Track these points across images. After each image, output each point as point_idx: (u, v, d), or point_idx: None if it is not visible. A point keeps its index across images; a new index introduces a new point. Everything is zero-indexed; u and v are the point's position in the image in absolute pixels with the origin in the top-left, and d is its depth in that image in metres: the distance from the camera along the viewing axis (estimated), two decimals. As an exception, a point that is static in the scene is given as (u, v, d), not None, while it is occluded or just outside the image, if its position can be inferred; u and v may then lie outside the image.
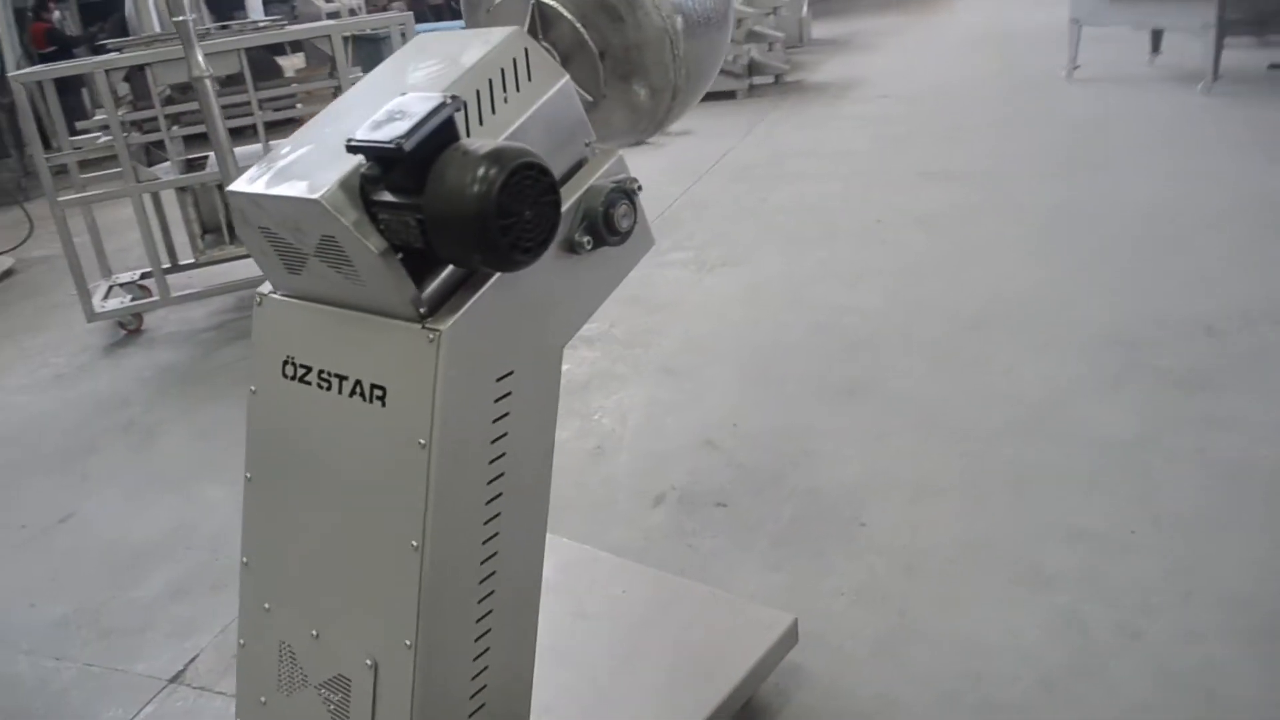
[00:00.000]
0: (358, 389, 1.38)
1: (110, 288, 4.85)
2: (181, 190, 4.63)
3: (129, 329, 4.73)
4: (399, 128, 1.18)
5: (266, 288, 1.52)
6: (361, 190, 1.25)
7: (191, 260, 4.91)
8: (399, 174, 1.20)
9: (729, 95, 8.30)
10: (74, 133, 4.76)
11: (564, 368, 3.65)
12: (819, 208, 5.15)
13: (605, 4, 1.52)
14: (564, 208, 1.39)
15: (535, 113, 1.39)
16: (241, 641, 1.60)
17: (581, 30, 1.54)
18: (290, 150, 1.40)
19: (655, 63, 1.56)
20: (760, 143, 6.82)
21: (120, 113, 4.30)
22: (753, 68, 8.54)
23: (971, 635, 2.07)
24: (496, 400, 1.37)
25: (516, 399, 1.40)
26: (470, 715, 1.44)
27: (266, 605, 1.56)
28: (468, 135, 1.33)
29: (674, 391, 3.36)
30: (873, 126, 6.79)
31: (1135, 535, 2.32)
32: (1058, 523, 2.40)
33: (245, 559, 1.59)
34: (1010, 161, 5.51)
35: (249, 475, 1.57)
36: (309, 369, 1.45)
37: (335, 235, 1.26)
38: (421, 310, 1.30)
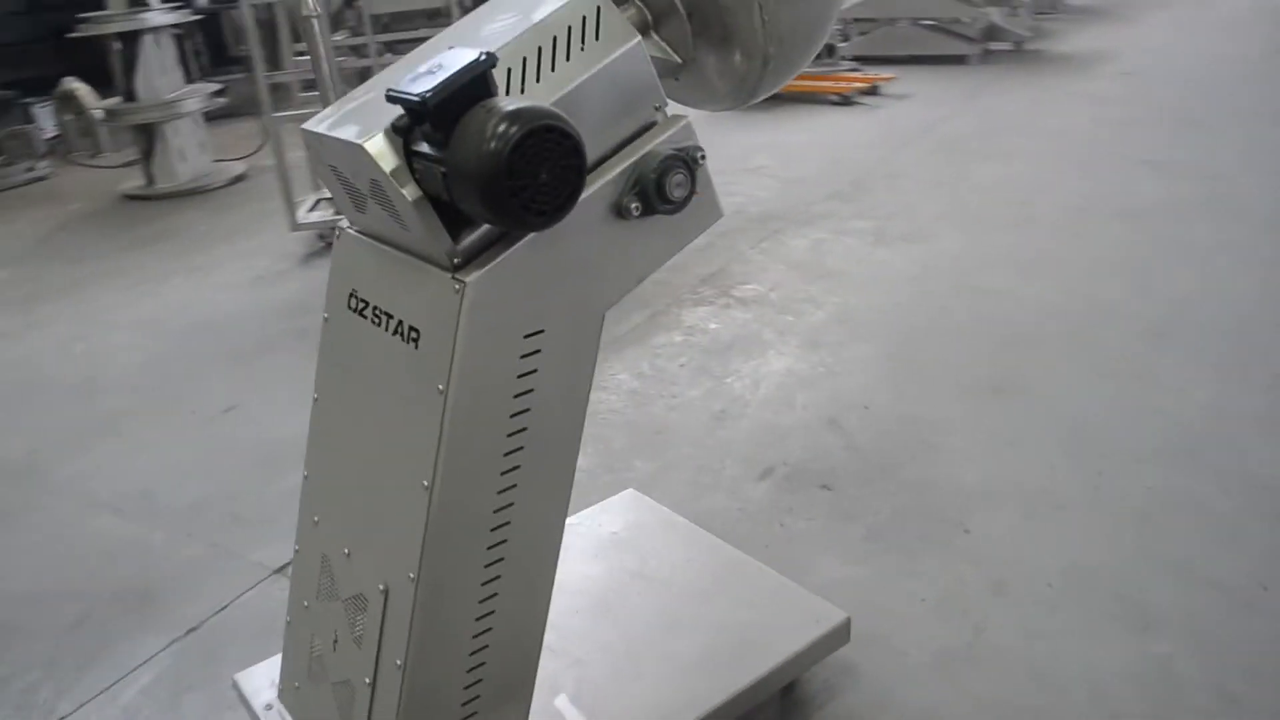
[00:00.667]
0: (399, 329, 1.43)
1: (317, 201, 5.19)
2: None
3: (327, 241, 5.07)
4: (429, 82, 1.19)
5: (345, 222, 1.59)
6: (405, 139, 1.28)
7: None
8: (427, 127, 1.21)
9: (959, 60, 7.88)
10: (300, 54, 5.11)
11: (710, 325, 3.68)
12: (1019, 189, 4.83)
13: (694, -35, 1.47)
14: (617, 172, 1.39)
15: (598, 72, 1.36)
16: (296, 547, 1.72)
17: (661, -22, 1.49)
18: (364, 93, 1.45)
19: (743, 27, 1.50)
20: (978, 114, 6.44)
21: (340, 37, 4.57)
22: (991, 32, 8.04)
23: (1045, 667, 1.94)
24: (523, 356, 1.38)
25: (546, 357, 1.40)
26: (471, 654, 1.48)
27: (315, 518, 1.66)
28: (521, 91, 1.33)
29: (813, 365, 3.27)
30: (1103, 107, 6.27)
31: (1267, 593, 2.08)
32: (1181, 564, 2.19)
33: (306, 472, 1.69)
34: (1247, 161, 4.97)
35: (316, 396, 1.66)
36: (366, 303, 1.51)
37: (378, 180, 1.30)
38: (455, 261, 1.33)
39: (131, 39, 6.10)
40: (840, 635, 1.88)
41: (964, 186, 4.99)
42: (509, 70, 1.33)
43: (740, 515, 2.52)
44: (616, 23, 1.40)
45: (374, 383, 1.51)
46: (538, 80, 1.34)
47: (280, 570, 2.45)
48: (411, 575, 1.40)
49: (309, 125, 1.45)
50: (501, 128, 1.15)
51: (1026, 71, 7.57)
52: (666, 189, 1.39)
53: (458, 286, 1.31)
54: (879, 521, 2.44)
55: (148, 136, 6.46)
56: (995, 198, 4.74)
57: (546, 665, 1.78)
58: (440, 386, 1.34)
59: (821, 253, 4.25)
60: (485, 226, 1.33)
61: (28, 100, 7.88)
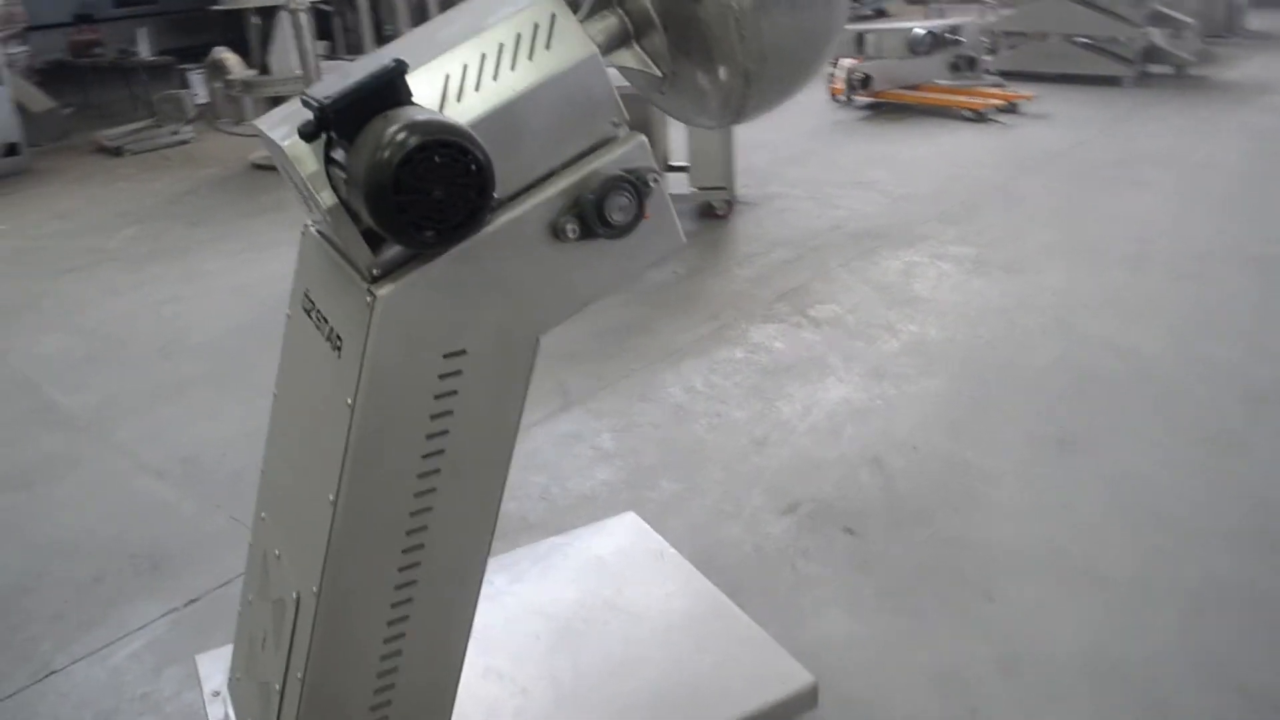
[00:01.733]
0: (331, 335, 1.39)
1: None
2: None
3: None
4: (334, 86, 1.14)
5: (309, 219, 1.56)
6: (326, 144, 1.23)
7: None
8: (334, 133, 1.16)
9: (1112, 82, 7.40)
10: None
11: (776, 344, 3.54)
12: (1144, 225, 4.48)
13: (667, -28, 1.37)
14: (556, 190, 1.31)
15: (544, 83, 1.28)
16: (250, 541, 1.71)
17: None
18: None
19: (719, 41, 1.39)
20: (1119, 141, 6.03)
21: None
22: (1150, 54, 7.52)
23: (1035, 764, 1.76)
24: (442, 376, 1.32)
25: (468, 380, 1.34)
26: (379, 677, 1.43)
27: (263, 514, 1.64)
28: (458, 100, 1.27)
29: (871, 396, 3.10)
30: (1259, 141, 5.77)
31: (1313, 711, 1.84)
32: (1219, 666, 1.96)
33: (262, 467, 1.68)
34: None
35: (275, 392, 1.64)
36: (313, 305, 1.48)
37: (300, 183, 1.26)
38: (374, 272, 1.27)
39: (269, 14, 6.33)
40: (805, 700, 1.75)
41: (1084, 217, 4.67)
42: (447, 77, 1.27)
43: (752, 552, 2.40)
44: (572, 32, 1.31)
45: (311, 387, 1.48)
46: (477, 89, 1.27)
47: (286, 552, 2.47)
48: (314, 589, 1.36)
49: (261, 121, 1.42)
50: (395, 139, 1.09)
51: (1183, 98, 7.04)
52: (606, 212, 1.30)
53: (369, 299, 1.25)
54: (897, 576, 2.28)
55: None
56: (1115, 232, 4.41)
57: (490, 689, 1.73)
58: (349, 400, 1.29)
59: (912, 276, 4.04)
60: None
61: (185, 66, 8.31)
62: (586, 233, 1.31)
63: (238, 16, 6.55)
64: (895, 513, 2.51)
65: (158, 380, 3.50)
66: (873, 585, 2.25)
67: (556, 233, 1.31)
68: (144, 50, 8.34)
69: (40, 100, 7.76)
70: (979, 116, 6.64)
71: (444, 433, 1.35)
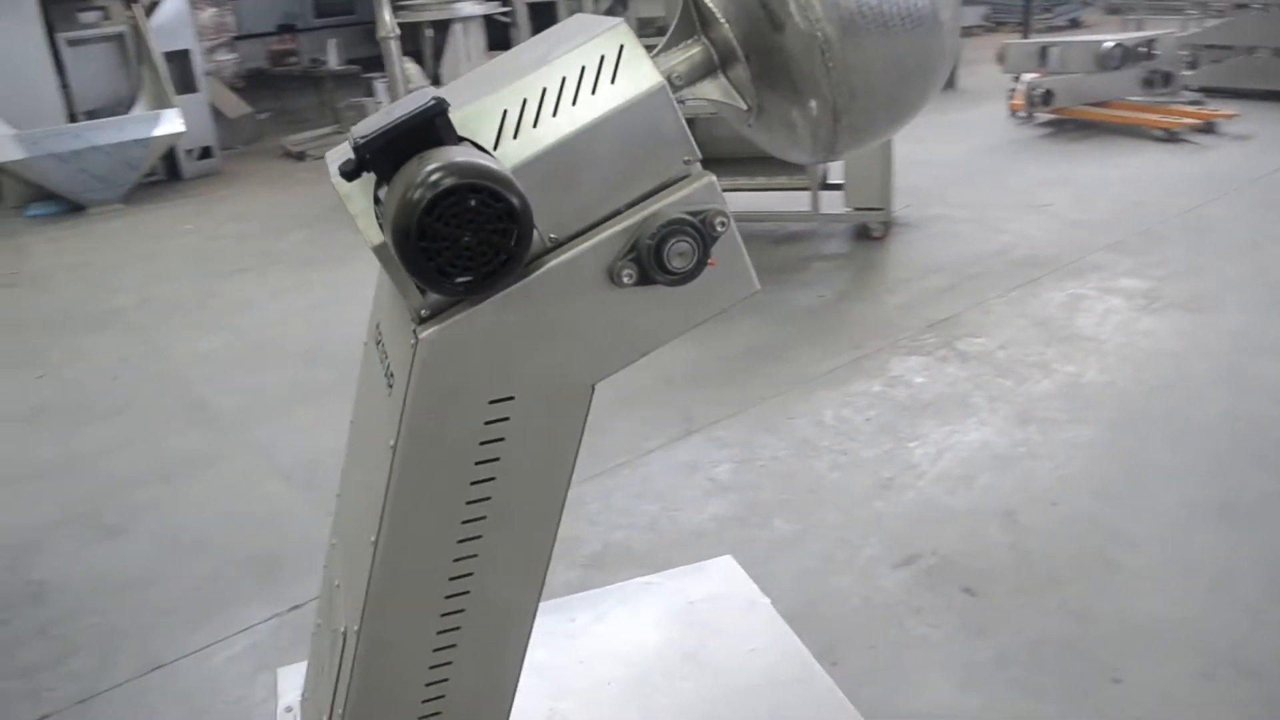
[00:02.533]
0: (387, 371, 1.36)
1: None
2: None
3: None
4: (374, 124, 1.10)
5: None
6: (377, 182, 1.19)
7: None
8: (373, 172, 1.12)
9: (1333, 99, 6.72)
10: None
11: (916, 379, 3.35)
12: (1355, 263, 4.02)
13: (750, 2, 1.27)
14: (614, 231, 1.23)
15: (606, 119, 1.20)
16: (325, 566, 1.71)
17: (725, 27, 1.31)
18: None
19: (805, 74, 1.28)
20: (1336, 165, 5.45)
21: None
22: (1379, 69, 6.78)
23: None
24: (488, 423, 1.26)
25: (516, 427, 1.28)
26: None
27: (333, 541, 1.64)
28: (514, 137, 1.21)
29: (1014, 442, 2.88)
30: None
31: None
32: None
33: (338, 491, 1.68)
34: None
35: (351, 419, 1.64)
36: (380, 338, 1.45)
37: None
38: (423, 314, 1.23)
39: (442, 26, 6.53)
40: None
41: (1277, 253, 4.22)
42: (505, 112, 1.21)
43: (860, 605, 2.25)
44: (639, 64, 1.23)
45: (372, 421, 1.46)
46: (535, 125, 1.21)
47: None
48: (356, 629, 1.34)
49: (330, 154, 1.40)
50: (425, 180, 1.04)
51: None
52: (665, 258, 1.21)
53: (413, 341, 1.21)
54: (1015, 645, 2.08)
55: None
56: (1316, 271, 3.98)
57: None
58: (391, 442, 1.26)
59: (1075, 311, 3.75)
60: (463, 278, 1.23)
61: (370, 75, 8.69)
62: (644, 279, 1.23)
63: (414, 29, 6.80)
64: (1023, 575, 2.31)
65: (296, 385, 3.63)
66: (988, 653, 2.07)
67: (613, 277, 1.23)
68: (332, 60, 8.77)
69: (236, 106, 8.27)
70: (1171, 136, 6.14)
71: (490, 479, 1.29)
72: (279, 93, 10.31)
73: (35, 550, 2.73)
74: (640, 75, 1.23)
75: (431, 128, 1.10)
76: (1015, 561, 2.36)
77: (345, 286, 4.70)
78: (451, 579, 1.32)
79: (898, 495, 2.67)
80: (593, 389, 1.31)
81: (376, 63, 8.63)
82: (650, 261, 1.22)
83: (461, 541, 1.31)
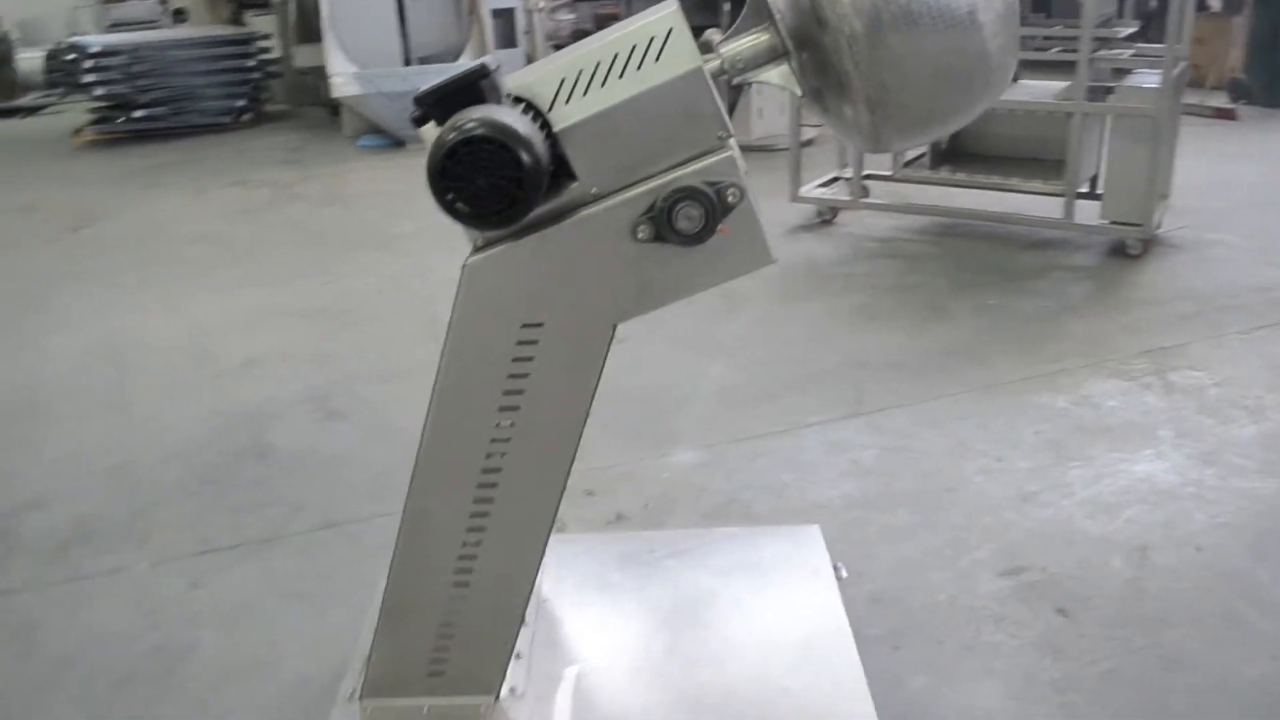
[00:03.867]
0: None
1: (833, 179, 5.35)
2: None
3: (824, 218, 5.23)
4: (432, 84, 1.34)
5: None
6: (448, 128, 1.43)
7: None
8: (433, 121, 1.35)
9: None
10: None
11: (1109, 402, 3.19)
12: None
13: (795, -3, 1.38)
14: (640, 191, 1.41)
15: (644, 94, 1.38)
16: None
17: (776, 18, 1.43)
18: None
19: (839, 68, 1.38)
20: None
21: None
22: None
23: None
24: (519, 344, 1.49)
25: (544, 351, 1.49)
26: (451, 589, 1.64)
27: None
28: (566, 103, 1.40)
29: (1184, 481, 2.71)
30: None
31: None
32: None
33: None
34: None
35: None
36: (475, 263, 1.71)
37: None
38: (478, 244, 1.47)
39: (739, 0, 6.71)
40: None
41: None
42: (561, 81, 1.41)
43: (945, 602, 2.27)
44: (682, 46, 1.39)
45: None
46: (585, 94, 1.40)
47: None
48: (402, 511, 1.61)
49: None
50: (454, 128, 1.27)
51: None
52: (673, 219, 1.37)
53: (464, 265, 1.45)
54: (1084, 674, 2.04)
55: (736, 90, 7.11)
56: None
57: (577, 626, 1.90)
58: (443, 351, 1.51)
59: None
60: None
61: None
62: (658, 236, 1.40)
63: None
64: (1128, 609, 2.23)
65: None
66: (1052, 674, 2.04)
67: (634, 232, 1.41)
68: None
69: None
70: None
71: (520, 392, 1.51)
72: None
73: (274, 420, 3.29)
74: (682, 57, 1.39)
75: (476, 88, 1.32)
76: (1126, 595, 2.27)
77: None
78: (480, 483, 1.56)
79: (1034, 510, 2.62)
80: (614, 328, 1.49)
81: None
82: (663, 221, 1.38)
83: (490, 453, 1.54)
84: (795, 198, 5.18)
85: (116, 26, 10.70)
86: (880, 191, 5.12)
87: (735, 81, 1.52)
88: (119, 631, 2.33)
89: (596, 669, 1.84)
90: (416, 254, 4.90)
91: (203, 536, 2.69)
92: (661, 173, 1.41)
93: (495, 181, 1.27)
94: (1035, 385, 3.29)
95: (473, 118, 1.27)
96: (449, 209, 1.29)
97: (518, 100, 1.40)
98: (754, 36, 1.48)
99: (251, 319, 4.27)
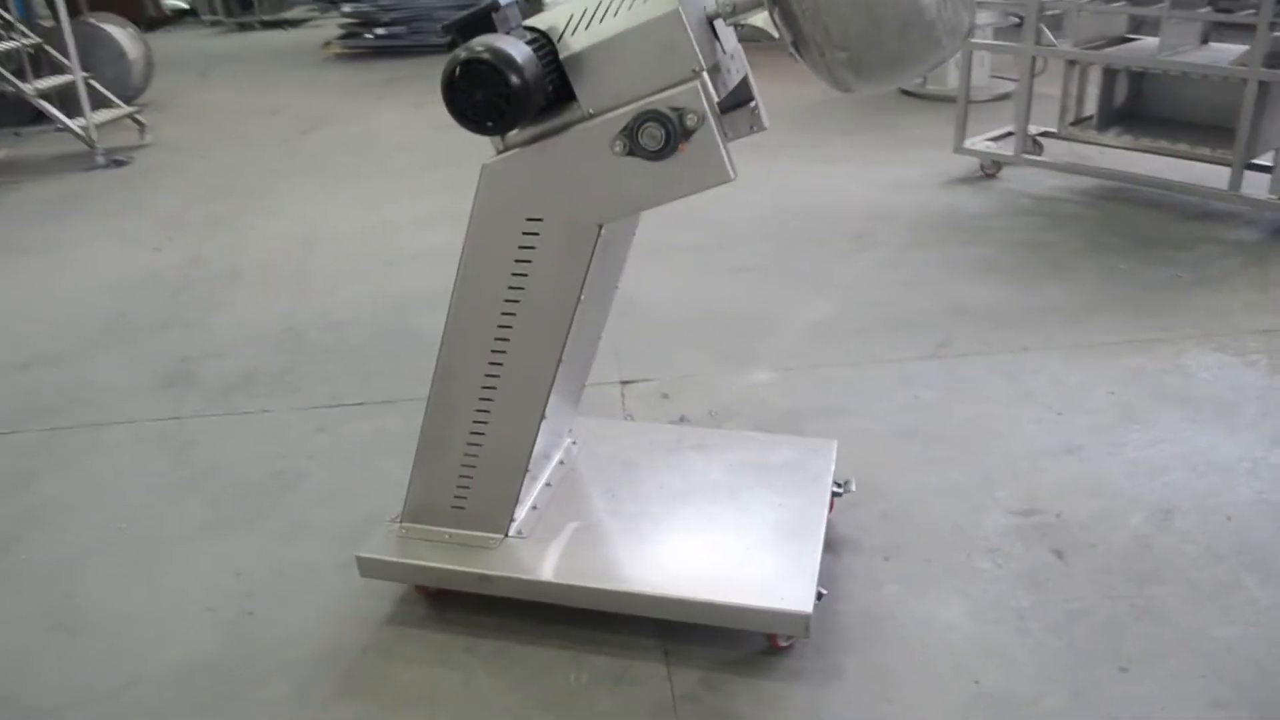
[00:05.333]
0: (492, 190, 1.94)
1: (1005, 134, 5.28)
2: (1070, 64, 4.76)
3: (986, 172, 5.20)
4: (456, 15, 1.65)
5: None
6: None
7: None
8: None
9: None
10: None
11: (1202, 374, 3.19)
12: None
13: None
14: (622, 111, 1.68)
15: (629, 31, 1.66)
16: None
17: (749, -31, 1.64)
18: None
19: (790, 15, 1.59)
20: None
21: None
22: None
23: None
24: (524, 234, 1.80)
25: (542, 243, 1.80)
26: (471, 433, 2.00)
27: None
28: (572, 34, 1.68)
29: (1241, 456, 2.68)
30: None
31: None
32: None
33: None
34: None
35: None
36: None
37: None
38: (499, 149, 1.79)
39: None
40: (794, 624, 1.92)
41: None
42: (570, 17, 1.70)
43: (948, 529, 2.43)
44: (664, -8, 1.63)
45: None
46: (587, 27, 1.69)
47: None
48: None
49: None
50: (462, 51, 1.58)
51: None
52: (638, 136, 1.64)
53: (483, 167, 1.77)
54: (1054, 611, 2.15)
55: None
56: None
57: (588, 478, 2.25)
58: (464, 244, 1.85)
59: None
60: (531, 128, 1.75)
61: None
62: (627, 150, 1.66)
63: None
64: (1124, 561, 2.31)
65: (661, 244, 4.31)
66: (1022, 604, 2.19)
67: (612, 146, 1.68)
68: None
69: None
70: None
71: (524, 275, 1.83)
72: None
73: (424, 306, 3.77)
74: (662, 1, 1.63)
75: (487, 20, 1.63)
76: (1130, 549, 2.36)
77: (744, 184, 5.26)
78: (494, 340, 1.90)
79: (1074, 462, 2.70)
80: (600, 228, 1.78)
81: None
82: (632, 138, 1.65)
83: (500, 326, 1.89)
84: (959, 149, 5.17)
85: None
86: (1058, 150, 5.03)
87: (729, 22, 1.75)
88: (254, 456, 2.86)
89: (591, 526, 2.16)
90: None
91: (337, 393, 3.19)
92: (643, 98, 1.67)
93: (489, 96, 1.58)
94: (1129, 349, 3.29)
95: (479, 43, 1.58)
96: (454, 114, 1.61)
97: (532, 31, 1.69)
98: (749, -16, 1.69)
99: (431, 219, 4.79)
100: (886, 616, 2.16)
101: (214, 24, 12.82)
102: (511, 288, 1.85)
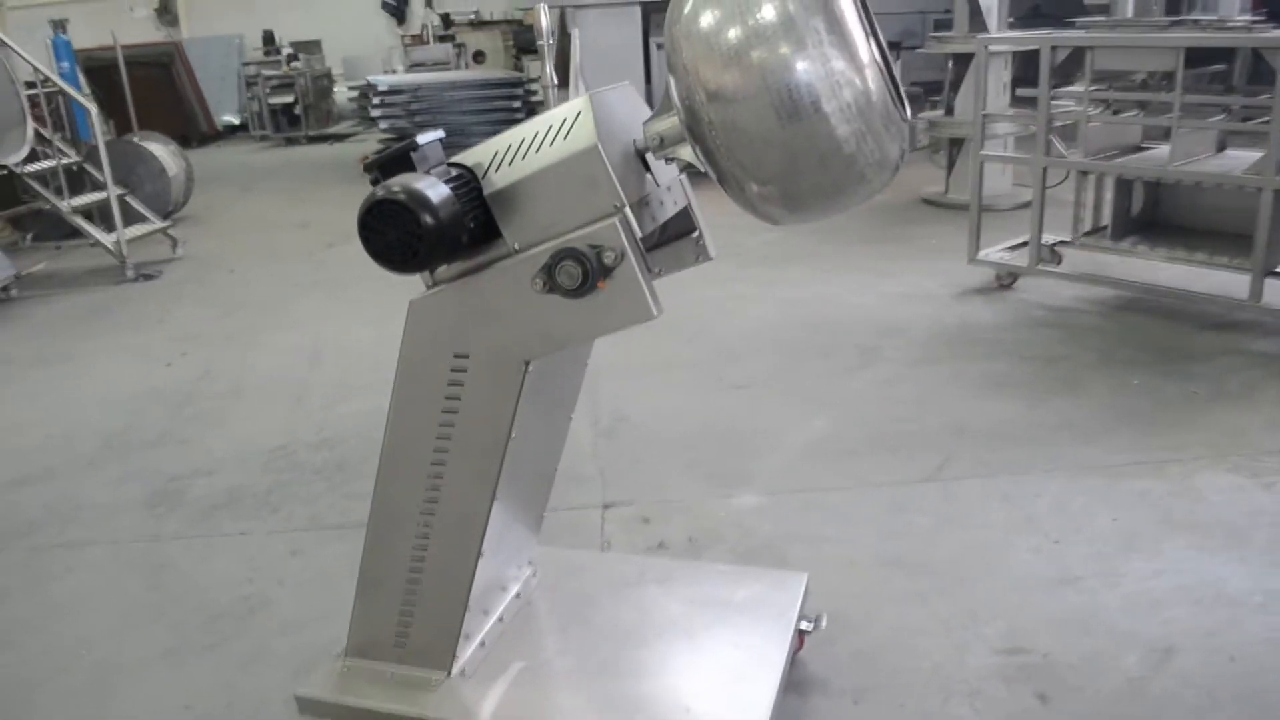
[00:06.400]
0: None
1: (1019, 245, 5.21)
2: (1083, 174, 4.70)
3: (1002, 283, 5.12)
4: (381, 152, 1.65)
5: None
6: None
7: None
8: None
9: None
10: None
11: (1213, 496, 3.10)
12: None
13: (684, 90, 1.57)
14: (543, 248, 1.65)
15: (549, 168, 1.63)
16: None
17: (676, 107, 1.61)
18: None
19: (705, 149, 1.56)
20: None
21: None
22: None
23: None
24: (452, 370, 1.77)
25: (470, 379, 1.77)
26: (410, 570, 1.93)
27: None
28: (496, 170, 1.67)
29: (1253, 589, 2.52)
30: None
31: None
32: None
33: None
34: None
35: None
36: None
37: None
38: (427, 284, 1.76)
39: (963, 60, 6.66)
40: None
41: None
42: (494, 154, 1.69)
43: (922, 669, 2.29)
44: (585, 127, 1.63)
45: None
46: (510, 164, 1.67)
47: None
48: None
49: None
50: (379, 189, 1.57)
51: None
52: (554, 274, 1.61)
53: (410, 304, 1.75)
54: (1039, 759, 2.02)
55: (956, 149, 7.04)
56: None
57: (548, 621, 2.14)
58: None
59: None
60: (460, 264, 1.73)
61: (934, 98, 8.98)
62: (546, 288, 1.63)
63: (940, 59, 7.03)
64: (1114, 707, 2.16)
65: (662, 359, 4.29)
66: (1004, 754, 2.04)
67: (532, 283, 1.65)
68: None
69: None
70: None
71: (454, 412, 1.79)
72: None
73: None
74: (583, 136, 1.62)
75: (406, 159, 1.62)
76: (1121, 692, 2.20)
77: (767, 285, 5.24)
78: (428, 477, 1.85)
79: (1068, 595, 2.55)
80: (527, 364, 1.73)
81: (937, 87, 8.95)
82: (551, 276, 1.61)
83: (435, 452, 1.83)
84: (973, 259, 5.11)
85: (416, 67, 12.03)
86: (1078, 259, 4.95)
87: (659, 156, 1.72)
88: (225, 579, 2.82)
89: (537, 667, 2.06)
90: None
91: (316, 514, 3.16)
92: (564, 234, 1.64)
93: (401, 235, 1.56)
94: (1138, 471, 3.15)
95: (396, 183, 1.57)
96: (370, 253, 1.60)
97: (458, 167, 1.68)
98: (671, 119, 1.67)
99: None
100: (850, 769, 2.02)
101: (262, 138, 13.31)
102: (442, 424, 1.81)
